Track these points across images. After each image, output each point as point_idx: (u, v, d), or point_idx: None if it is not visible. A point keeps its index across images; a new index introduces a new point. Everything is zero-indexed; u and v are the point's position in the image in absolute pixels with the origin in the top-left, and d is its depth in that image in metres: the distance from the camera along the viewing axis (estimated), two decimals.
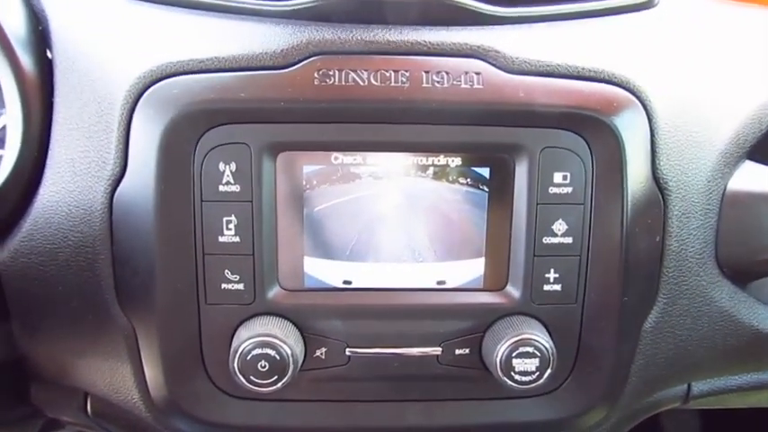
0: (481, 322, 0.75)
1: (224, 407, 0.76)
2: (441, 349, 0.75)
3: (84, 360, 0.80)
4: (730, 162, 0.76)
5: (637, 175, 0.72)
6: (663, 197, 0.74)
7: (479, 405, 0.78)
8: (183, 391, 0.75)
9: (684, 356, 0.81)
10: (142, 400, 0.77)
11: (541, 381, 0.72)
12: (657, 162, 0.73)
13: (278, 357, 0.69)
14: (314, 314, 0.74)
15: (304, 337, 0.73)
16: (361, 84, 0.67)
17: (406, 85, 0.67)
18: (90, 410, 0.85)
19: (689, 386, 0.89)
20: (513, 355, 0.71)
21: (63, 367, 0.82)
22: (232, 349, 0.70)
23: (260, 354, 0.69)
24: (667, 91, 0.74)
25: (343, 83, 0.67)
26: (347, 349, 0.75)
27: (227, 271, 0.72)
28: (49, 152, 0.72)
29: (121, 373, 0.77)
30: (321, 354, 0.75)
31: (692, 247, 0.76)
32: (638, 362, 0.78)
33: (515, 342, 0.71)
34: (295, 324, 0.73)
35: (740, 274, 0.80)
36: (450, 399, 0.78)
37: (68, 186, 0.71)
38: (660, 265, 0.75)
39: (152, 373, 0.75)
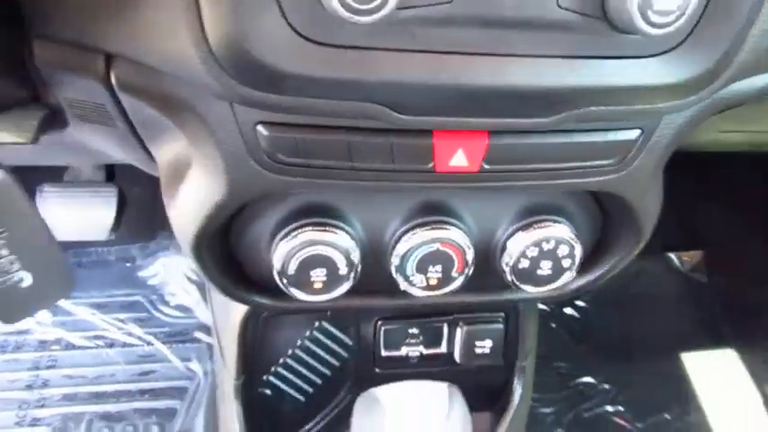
0: None
1: (300, 53, 0.62)
2: None
3: None
4: None
5: None
6: None
7: (588, 65, 0.69)
8: (250, 29, 0.60)
9: None
10: (195, 45, 0.62)
11: (682, 19, 0.62)
12: None
13: None
14: None
15: None
16: None
17: None
18: (114, 78, 0.70)
19: None
20: None
21: (78, 10, 0.65)
22: None
23: None
24: None
25: None
26: None
27: None
28: None
29: (168, 9, 0.61)
30: None
31: None
32: (757, 27, 0.70)
33: None
34: None
35: None
36: (559, 55, 0.68)
37: None
38: None
39: (210, 5, 0.59)
